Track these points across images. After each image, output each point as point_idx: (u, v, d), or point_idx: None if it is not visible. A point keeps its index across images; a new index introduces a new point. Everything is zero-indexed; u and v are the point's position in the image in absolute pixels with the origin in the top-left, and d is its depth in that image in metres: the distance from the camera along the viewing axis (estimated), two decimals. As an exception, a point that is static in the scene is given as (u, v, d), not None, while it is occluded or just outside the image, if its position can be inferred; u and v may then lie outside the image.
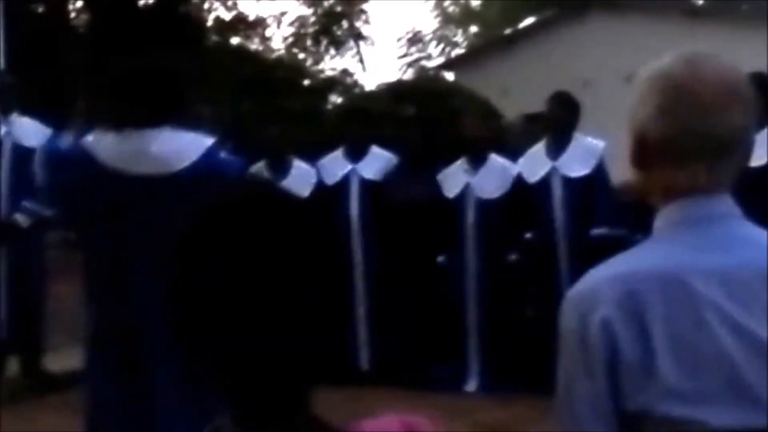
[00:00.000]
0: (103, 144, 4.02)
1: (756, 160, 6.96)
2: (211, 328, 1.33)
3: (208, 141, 4.04)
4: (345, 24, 18.11)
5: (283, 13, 19.15)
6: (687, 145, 1.88)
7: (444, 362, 8.41)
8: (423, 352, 8.42)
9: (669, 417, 1.78)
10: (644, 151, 1.94)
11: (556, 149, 8.24)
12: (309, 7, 18.49)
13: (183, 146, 3.99)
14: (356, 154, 8.83)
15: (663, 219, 1.95)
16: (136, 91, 4.01)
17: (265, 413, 1.37)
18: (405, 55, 27.97)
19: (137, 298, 3.95)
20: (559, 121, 8.26)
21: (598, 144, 8.15)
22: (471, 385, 8.34)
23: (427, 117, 9.58)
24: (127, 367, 4.00)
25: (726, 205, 1.93)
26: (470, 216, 8.44)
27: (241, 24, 17.21)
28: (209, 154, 4.01)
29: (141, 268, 3.92)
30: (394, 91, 10.68)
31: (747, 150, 1.96)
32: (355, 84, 18.58)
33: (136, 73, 4.09)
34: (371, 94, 13.00)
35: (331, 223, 8.32)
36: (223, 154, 4.18)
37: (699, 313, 1.81)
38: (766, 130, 7.01)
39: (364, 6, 17.85)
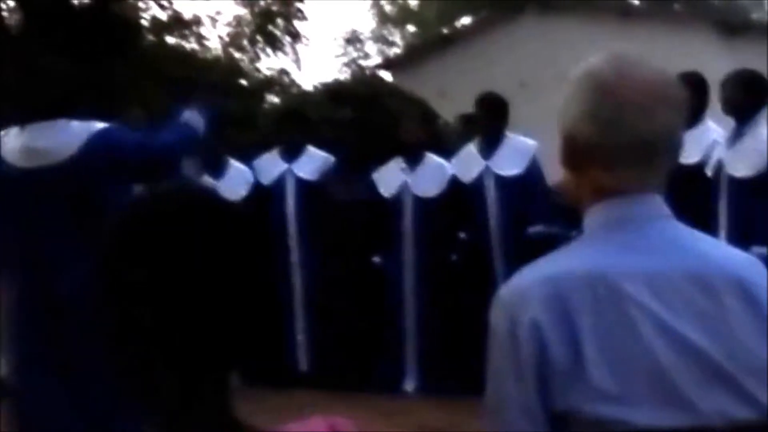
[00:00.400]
0: (6, 141, 4.22)
1: (689, 158, 7.13)
2: (133, 329, 1.32)
3: (94, 128, 4.13)
4: (281, 23, 18.03)
5: (218, 13, 19.09)
6: (614, 147, 1.89)
7: (382, 363, 8.40)
8: (361, 353, 8.40)
9: (597, 417, 1.79)
10: (573, 153, 1.95)
11: (488, 149, 8.26)
12: (245, 6, 18.41)
13: (68, 137, 4.14)
14: (292, 154, 8.79)
15: (592, 220, 1.96)
16: (24, 89, 4.26)
17: (183, 415, 1.35)
18: (342, 55, 27.98)
19: (53, 282, 4.06)
20: (487, 121, 8.28)
21: (530, 143, 8.20)
22: (409, 386, 8.34)
23: (363, 118, 9.57)
24: (53, 358, 4.03)
25: (655, 206, 1.94)
26: (407, 215, 8.43)
27: (177, 24, 17.08)
28: (93, 140, 4.14)
29: (49, 257, 4.07)
30: (331, 91, 10.66)
31: (675, 151, 1.97)
32: (293, 84, 18.53)
33: (22, 72, 4.30)
34: (308, 95, 12.97)
35: (266, 223, 8.39)
36: (117, 134, 4.24)
37: (627, 314, 1.81)
38: (699, 128, 7.11)
39: (301, 5, 17.75)
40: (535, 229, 7.79)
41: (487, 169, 8.21)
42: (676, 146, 1.96)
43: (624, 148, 1.88)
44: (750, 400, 1.83)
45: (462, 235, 8.32)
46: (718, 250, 1.98)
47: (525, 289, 1.87)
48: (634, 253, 1.87)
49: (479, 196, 8.24)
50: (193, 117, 4.72)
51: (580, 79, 1.94)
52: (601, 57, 1.95)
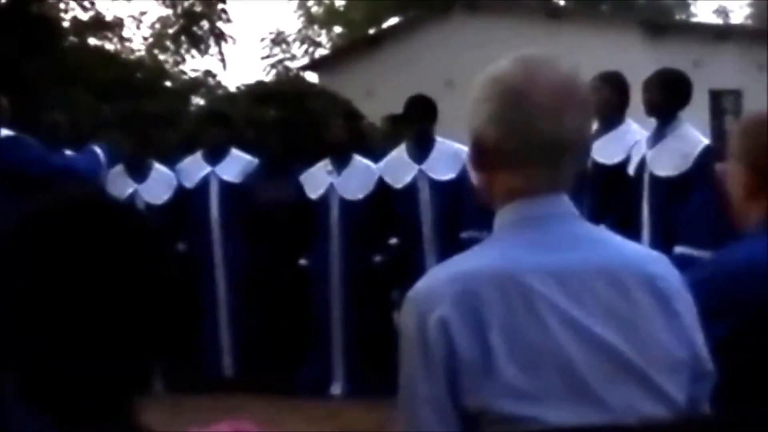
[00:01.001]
0: None
1: (611, 159, 7.14)
2: (27, 331, 1.31)
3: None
4: (206, 24, 17.89)
5: (142, 13, 18.92)
6: (522, 149, 1.90)
7: (309, 366, 8.34)
8: (287, 356, 8.33)
9: (507, 415, 1.78)
10: (482, 155, 1.96)
11: (419, 152, 8.24)
12: (168, 7, 18.25)
13: None
14: (215, 156, 8.71)
15: (502, 219, 1.97)
16: None
17: (79, 419, 1.34)
18: (269, 56, 27.84)
19: None
20: (416, 123, 8.26)
21: (462, 147, 8.17)
22: (336, 389, 8.30)
23: (288, 119, 9.50)
24: None
25: (563, 205, 1.95)
26: (334, 217, 8.39)
27: (99, 25, 16.86)
28: None
29: None
30: (255, 93, 10.58)
31: (584, 151, 2.01)
32: (219, 85, 18.39)
33: None
34: (232, 96, 12.87)
35: (189, 227, 8.30)
36: (19, 145, 4.19)
37: (535, 311, 1.82)
38: (621, 129, 7.15)
39: (225, 6, 17.61)
40: (467, 233, 7.76)
41: (421, 173, 8.18)
42: (584, 147, 1.99)
43: (531, 149, 1.90)
44: (660, 396, 1.85)
45: (393, 240, 8.28)
46: (625, 247, 2.00)
47: (434, 287, 1.87)
48: (543, 251, 1.88)
49: (412, 200, 8.22)
50: (96, 153, 4.69)
51: (488, 83, 1.95)
52: (508, 60, 1.96)
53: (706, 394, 1.96)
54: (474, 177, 2.04)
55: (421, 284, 1.92)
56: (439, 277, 1.90)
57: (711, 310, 2.01)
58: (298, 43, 29.48)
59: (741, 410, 2.10)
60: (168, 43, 18.90)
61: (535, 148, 1.89)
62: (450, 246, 7.74)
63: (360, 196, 8.35)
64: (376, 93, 18.38)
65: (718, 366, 1.96)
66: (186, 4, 17.93)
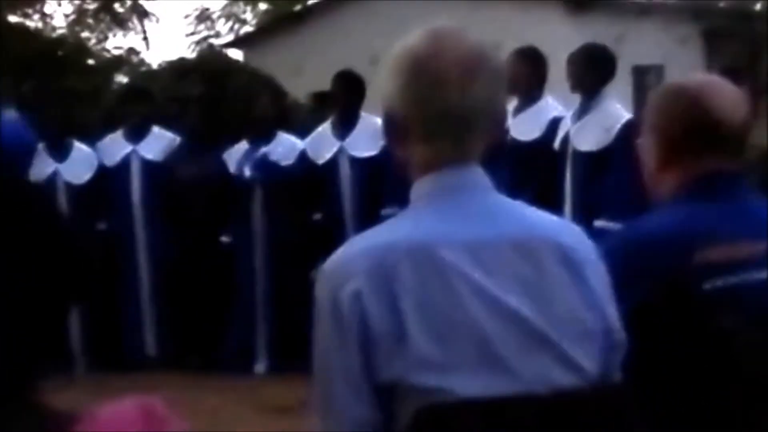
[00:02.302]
0: None
1: (529, 135, 7.18)
2: None
3: None
4: (128, 2, 17.70)
5: (63, -10, 18.66)
6: (431, 120, 1.91)
7: (232, 344, 8.31)
8: (210, 334, 8.29)
9: (420, 386, 1.79)
10: (393, 128, 1.96)
11: (343, 129, 8.21)
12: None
13: None
14: (137, 134, 8.61)
15: (416, 192, 1.98)
16: None
17: None
18: (193, 33, 27.58)
19: None
20: (343, 99, 8.22)
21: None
22: (260, 367, 8.28)
23: (210, 95, 9.41)
24: None
25: (475, 176, 1.96)
26: (257, 194, 8.32)
27: (19, 1, 16.60)
28: None
29: None
30: (177, 69, 10.46)
31: (496, 122, 2.01)
32: (142, 63, 18.22)
33: None
34: (153, 72, 12.73)
35: (110, 205, 8.23)
36: None
37: (448, 282, 1.83)
38: (538, 105, 7.18)
39: (149, -17, 17.44)
40: (389, 209, 7.75)
41: (342, 149, 8.16)
42: (495, 118, 1.99)
43: (439, 121, 1.91)
44: (573, 366, 1.86)
45: (317, 215, 8.25)
46: (537, 218, 2.01)
47: (348, 260, 1.89)
48: (455, 223, 1.90)
49: (334, 176, 8.19)
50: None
51: (397, 56, 1.96)
52: (418, 33, 1.96)
53: (618, 363, 1.97)
54: (394, 150, 2.04)
55: (335, 258, 1.93)
56: (353, 251, 1.92)
57: (621, 280, 2.03)
58: (223, 20, 29.23)
59: (649, 379, 2.13)
60: (90, 20, 18.67)
61: (443, 119, 1.90)
62: (372, 222, 7.71)
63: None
64: (303, 70, 18.28)
65: (628, 335, 1.98)
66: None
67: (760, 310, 2.30)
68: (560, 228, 2.00)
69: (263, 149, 8.20)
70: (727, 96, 2.46)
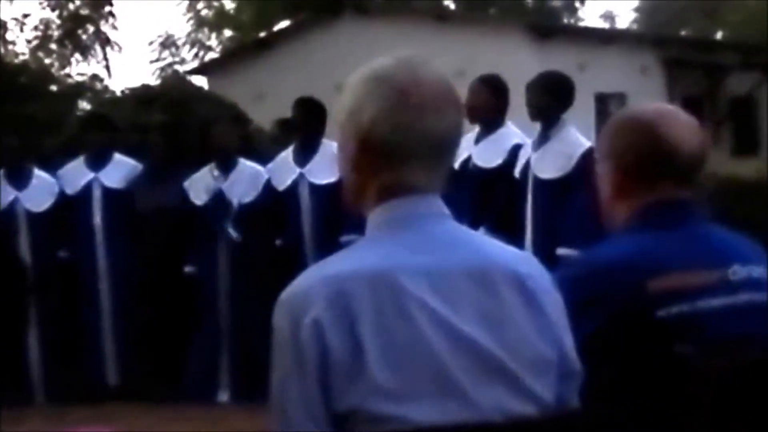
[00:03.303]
0: None
1: (490, 162, 7.18)
2: None
3: None
4: (91, 28, 17.63)
5: (26, 16, 18.59)
6: (409, 145, 1.94)
7: (194, 374, 8.23)
8: (172, 364, 8.22)
9: (376, 414, 1.80)
10: (365, 154, 1.97)
11: (304, 155, 8.21)
12: (53, 9, 17.94)
13: None
14: (98, 161, 8.55)
15: (377, 219, 1.99)
16: None
17: None
18: (158, 60, 27.55)
19: None
20: (304, 126, 8.22)
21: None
22: (223, 396, 8.23)
23: (172, 123, 9.37)
24: None
25: (436, 205, 1.99)
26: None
27: (-20, 27, 16.53)
28: None
29: None
30: (139, 97, 10.40)
31: (455, 150, 2.04)
32: (106, 90, 18.16)
33: None
34: (116, 99, 12.66)
35: (71, 234, 8.17)
36: None
37: (407, 311, 1.84)
38: (499, 132, 7.18)
39: (113, 9, 17.38)
40: (348, 237, 7.74)
41: (302, 176, 8.16)
42: (458, 146, 2.03)
43: (418, 146, 1.94)
44: (529, 395, 1.88)
45: (278, 242, 8.24)
46: (494, 247, 2.02)
47: (307, 289, 1.89)
48: (416, 251, 1.91)
49: (293, 203, 8.19)
50: None
51: (371, 82, 1.97)
52: (389, 60, 1.99)
53: (574, 392, 1.99)
54: (346, 178, 2.06)
55: (294, 286, 1.93)
56: (312, 279, 1.92)
57: (576, 307, 2.04)
58: (187, 47, 29.24)
59: (606, 407, 2.13)
60: (53, 46, 18.60)
61: (422, 145, 1.93)
62: (331, 250, 7.68)
63: (247, 200, 8.26)
64: (267, 97, 18.29)
65: (584, 363, 1.99)
66: (72, 6, 17.66)
67: (715, 337, 2.31)
68: (517, 258, 2.01)
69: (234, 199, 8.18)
70: (681, 125, 2.47)
